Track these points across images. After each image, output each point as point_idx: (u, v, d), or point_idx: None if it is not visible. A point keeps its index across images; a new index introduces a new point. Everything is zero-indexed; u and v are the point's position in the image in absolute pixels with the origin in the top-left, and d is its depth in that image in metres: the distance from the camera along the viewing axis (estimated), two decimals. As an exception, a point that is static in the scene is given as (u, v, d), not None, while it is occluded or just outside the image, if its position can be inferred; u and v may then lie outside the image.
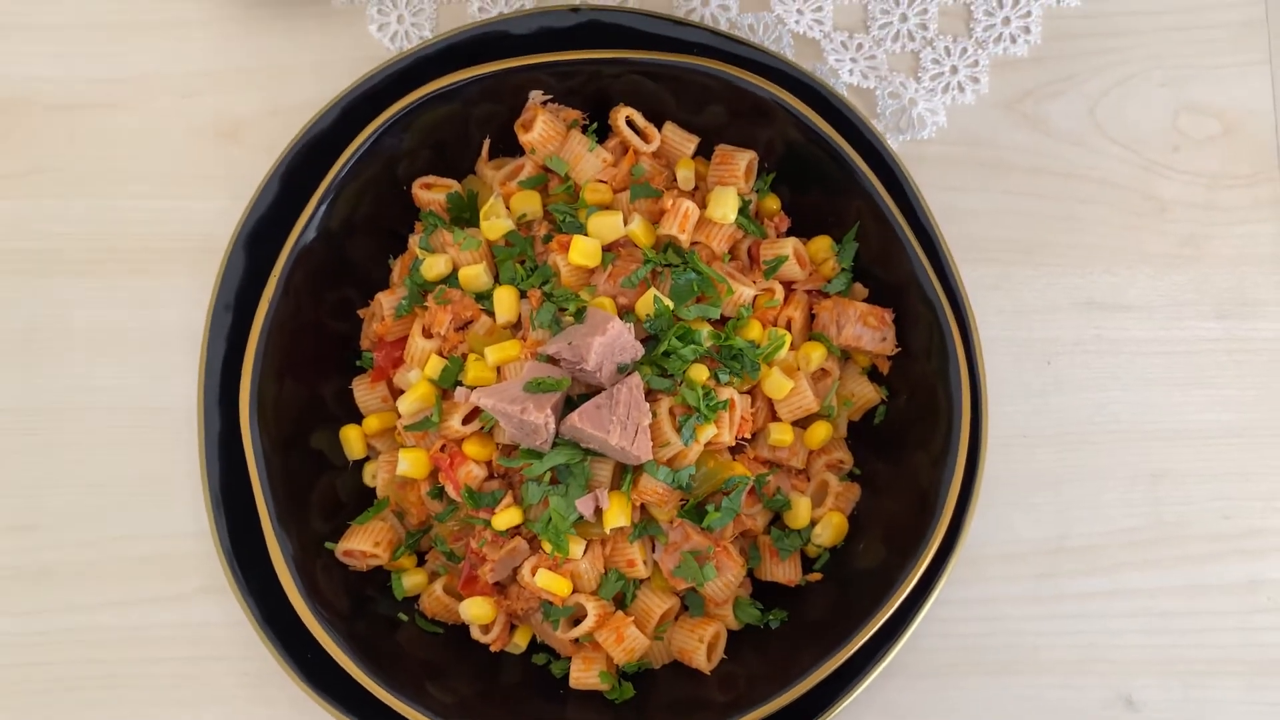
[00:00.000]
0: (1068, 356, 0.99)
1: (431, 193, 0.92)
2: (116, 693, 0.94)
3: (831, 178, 0.90)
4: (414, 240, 0.92)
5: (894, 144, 1.00)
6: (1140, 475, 0.97)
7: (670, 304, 0.85)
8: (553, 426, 0.82)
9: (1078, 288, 1.00)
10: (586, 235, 0.87)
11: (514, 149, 0.95)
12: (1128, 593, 0.96)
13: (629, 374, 0.83)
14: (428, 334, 0.88)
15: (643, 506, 0.86)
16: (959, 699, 0.94)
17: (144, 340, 0.98)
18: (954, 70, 1.05)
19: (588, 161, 0.90)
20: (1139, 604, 0.96)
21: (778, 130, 0.93)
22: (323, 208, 0.89)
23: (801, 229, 0.94)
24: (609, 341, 0.81)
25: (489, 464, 0.86)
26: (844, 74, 1.06)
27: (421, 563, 0.91)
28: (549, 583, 0.84)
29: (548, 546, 0.84)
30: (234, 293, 0.91)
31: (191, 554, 0.95)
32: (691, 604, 0.88)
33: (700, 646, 0.86)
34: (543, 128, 0.92)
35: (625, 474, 0.84)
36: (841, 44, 1.06)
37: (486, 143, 0.94)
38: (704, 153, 0.94)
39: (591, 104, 0.95)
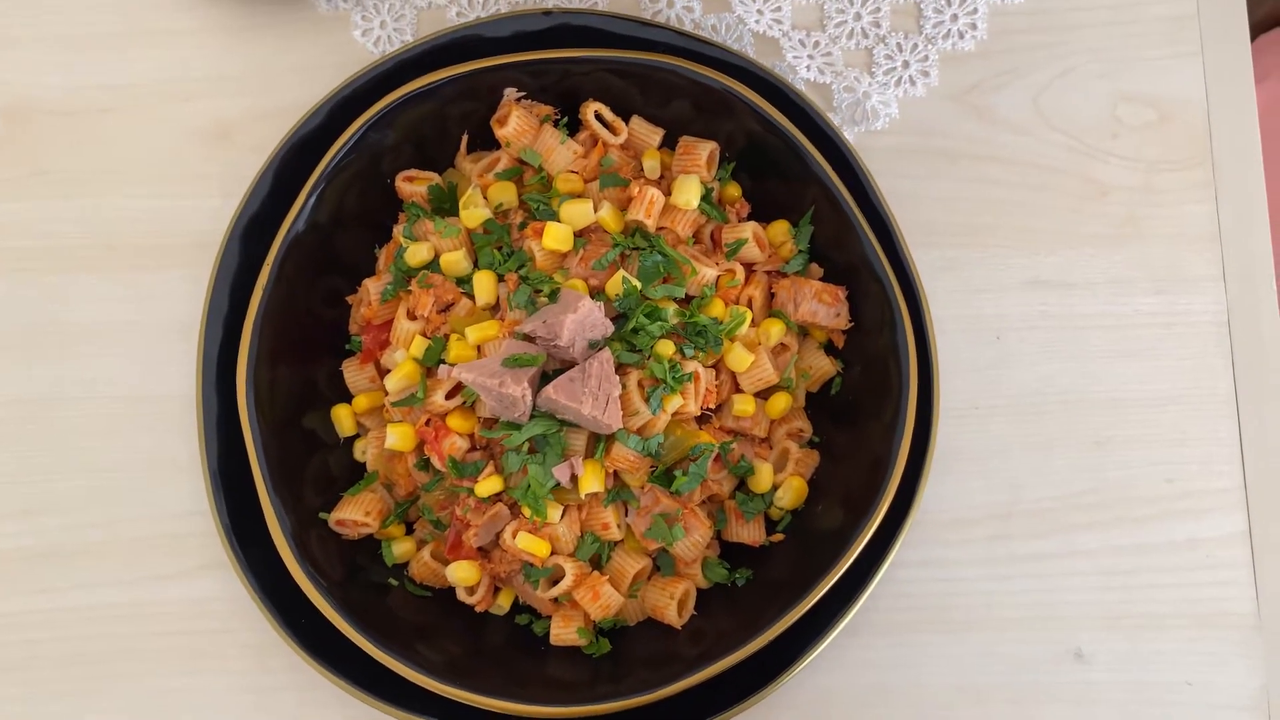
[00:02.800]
0: (1017, 332, 1.01)
1: (414, 185, 0.95)
2: (123, 666, 0.96)
3: (788, 166, 0.93)
4: (398, 229, 0.95)
5: (850, 135, 1.03)
6: (1086, 442, 1.00)
7: (638, 284, 0.87)
8: (530, 399, 0.84)
9: (1025, 268, 1.02)
10: (559, 222, 0.90)
11: (491, 143, 0.98)
12: (1077, 553, 0.98)
13: (600, 349, 0.85)
14: (412, 316, 0.90)
15: (615, 473, 0.88)
16: (919, 655, 0.96)
17: (143, 333, 1.01)
18: (905, 65, 1.10)
19: (559, 154, 0.93)
20: (1087, 563, 0.98)
21: (738, 123, 0.96)
22: (312, 200, 0.91)
23: (761, 214, 0.97)
24: (581, 319, 0.84)
25: (471, 436, 0.88)
26: (801, 70, 1.11)
27: (410, 532, 0.93)
28: (529, 545, 0.86)
29: (527, 511, 0.86)
30: (229, 282, 0.93)
31: (192, 533, 0.97)
32: (663, 564, 0.90)
33: (671, 603, 0.88)
34: (517, 123, 0.94)
35: (599, 443, 0.87)
36: (799, 42, 1.11)
37: (465, 138, 0.97)
38: (669, 144, 0.97)
39: (563, 100, 0.99)
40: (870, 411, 0.90)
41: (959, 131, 1.06)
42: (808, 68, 1.11)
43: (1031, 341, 1.01)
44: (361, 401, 0.93)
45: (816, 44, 1.11)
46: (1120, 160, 1.05)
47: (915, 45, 1.10)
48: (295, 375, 0.93)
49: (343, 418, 0.94)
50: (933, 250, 1.03)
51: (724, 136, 0.95)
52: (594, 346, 0.86)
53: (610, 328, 0.87)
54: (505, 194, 0.93)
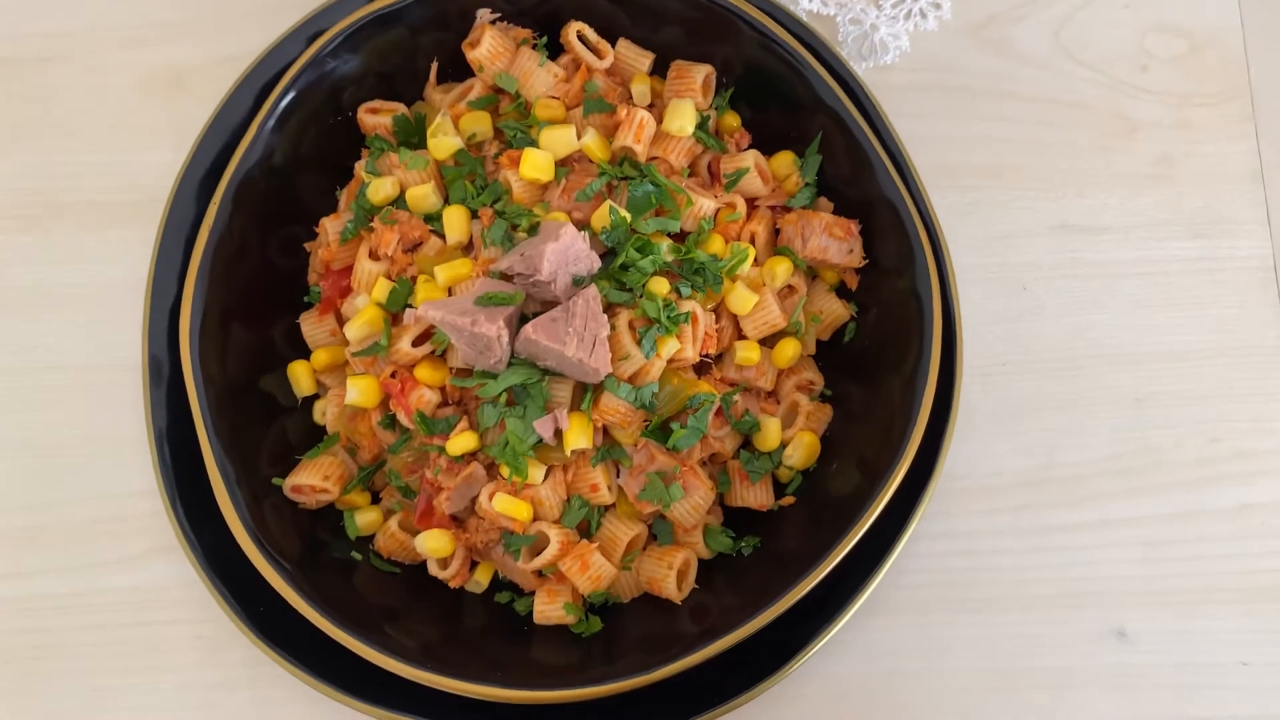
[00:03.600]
0: (1045, 281, 0.96)
1: (377, 117, 0.90)
2: (60, 663, 0.89)
3: (792, 92, 0.88)
4: (360, 166, 0.90)
5: (857, 71, 0.97)
6: (1124, 400, 0.94)
7: (627, 216, 0.82)
8: (506, 342, 0.79)
9: (1051, 211, 0.98)
10: (539, 149, 0.85)
11: (463, 74, 0.93)
12: (1115, 522, 0.92)
13: (585, 286, 0.81)
14: (375, 256, 0.86)
15: (605, 428, 0.83)
16: (944, 636, 0.90)
17: (88, 298, 0.96)
18: None
19: (538, 77, 0.88)
20: (1127, 533, 0.92)
21: (736, 46, 0.90)
22: (265, 133, 0.86)
23: (762, 147, 0.92)
24: (562, 249, 0.78)
25: (442, 389, 0.83)
26: (804, 1, 1.03)
27: (376, 502, 0.89)
28: (508, 507, 0.80)
29: (505, 471, 0.81)
30: (182, 238, 0.88)
31: (142, 514, 0.92)
32: (660, 532, 0.85)
33: (670, 574, 0.82)
34: (490, 43, 0.89)
35: (585, 393, 0.81)
36: (801, -27, 1.04)
37: (434, 65, 0.92)
38: (660, 72, 0.92)
39: (542, 26, 0.93)
40: (888, 363, 0.85)
41: (975, 67, 1.01)
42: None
43: (1061, 291, 0.96)
44: (321, 357, 0.88)
45: (819, -24, 1.03)
46: (1150, 95, 1.01)
47: (926, -25, 1.03)
48: (249, 334, 0.88)
49: (300, 375, 0.88)
50: (950, 193, 0.98)
51: (720, 62, 0.91)
52: (579, 283, 0.81)
53: (597, 262, 0.82)
54: (479, 123, 0.88)
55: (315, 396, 0.90)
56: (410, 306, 0.83)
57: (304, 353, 0.90)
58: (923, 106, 1.00)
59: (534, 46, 0.90)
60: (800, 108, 0.88)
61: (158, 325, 0.87)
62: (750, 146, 0.91)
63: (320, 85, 0.88)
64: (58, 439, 0.93)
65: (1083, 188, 0.98)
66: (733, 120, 0.91)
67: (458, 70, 0.92)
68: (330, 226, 0.88)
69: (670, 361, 0.82)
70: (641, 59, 0.90)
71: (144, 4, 1.02)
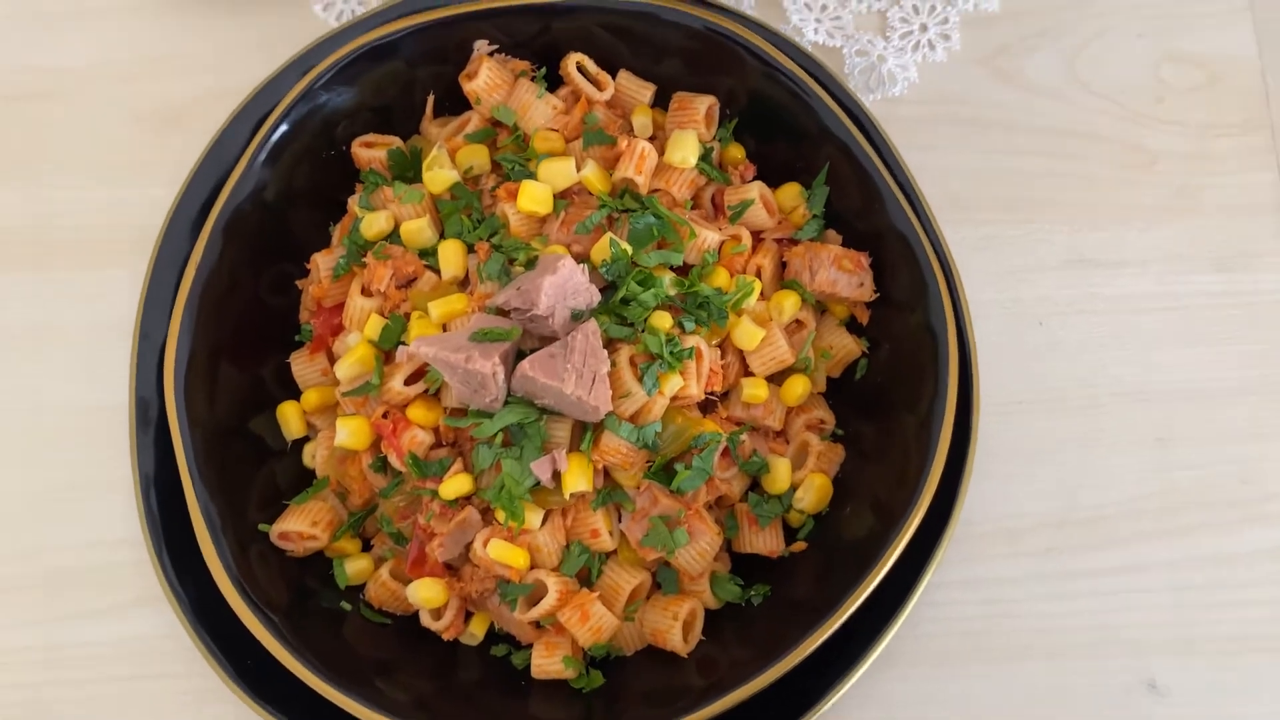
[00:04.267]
0: (1061, 317, 0.94)
1: (372, 150, 0.89)
2: None
3: (798, 123, 0.87)
4: (353, 201, 0.88)
5: (865, 103, 0.96)
6: (1147, 439, 0.92)
7: (628, 249, 0.80)
8: (502, 379, 0.77)
9: (1067, 245, 0.96)
10: (537, 181, 0.83)
11: (461, 108, 0.92)
12: (1142, 567, 0.89)
13: (585, 321, 0.79)
14: (367, 292, 0.84)
15: (606, 471, 0.81)
16: (964, 689, 0.87)
17: (75, 337, 0.94)
18: (924, 28, 1.02)
19: (537, 109, 0.86)
20: (1157, 578, 0.89)
21: (739, 77, 0.88)
22: (256, 165, 0.85)
23: (767, 179, 0.90)
24: (560, 282, 0.76)
25: (435, 430, 0.81)
26: (809, 33, 1.02)
27: (367, 549, 0.86)
28: (504, 555, 0.78)
29: (501, 516, 0.79)
30: (174, 276, 0.86)
31: (126, 562, 0.89)
32: (664, 580, 0.83)
33: (675, 625, 0.80)
34: (488, 75, 0.87)
35: (585, 433, 0.79)
36: (805, 5, 1.03)
37: (431, 98, 0.91)
38: (661, 105, 0.91)
39: (541, 57, 0.91)
40: (902, 400, 0.82)
41: (986, 98, 1.00)
42: (815, 30, 1.02)
43: (1078, 327, 0.94)
44: (311, 398, 0.86)
45: (824, 7, 1.03)
46: (1167, 126, 0.99)
47: (934, 6, 1.02)
48: (239, 374, 0.87)
49: (290, 417, 0.87)
50: (963, 227, 0.96)
51: (724, 93, 0.89)
52: (578, 318, 0.79)
53: (596, 296, 0.80)
54: (476, 156, 0.87)
55: (305, 439, 0.88)
56: (403, 344, 0.81)
57: (295, 393, 0.89)
58: (933, 139, 0.98)
59: (532, 78, 0.88)
60: (806, 138, 0.87)
61: (146, 365, 0.85)
62: (755, 178, 0.89)
63: (313, 118, 0.87)
64: (42, 484, 0.91)
65: (1100, 220, 0.96)
66: (737, 152, 0.90)
67: (454, 103, 0.91)
68: (322, 262, 0.86)
69: (674, 399, 0.80)
70: (643, 90, 0.89)
71: (141, 40, 1.02)
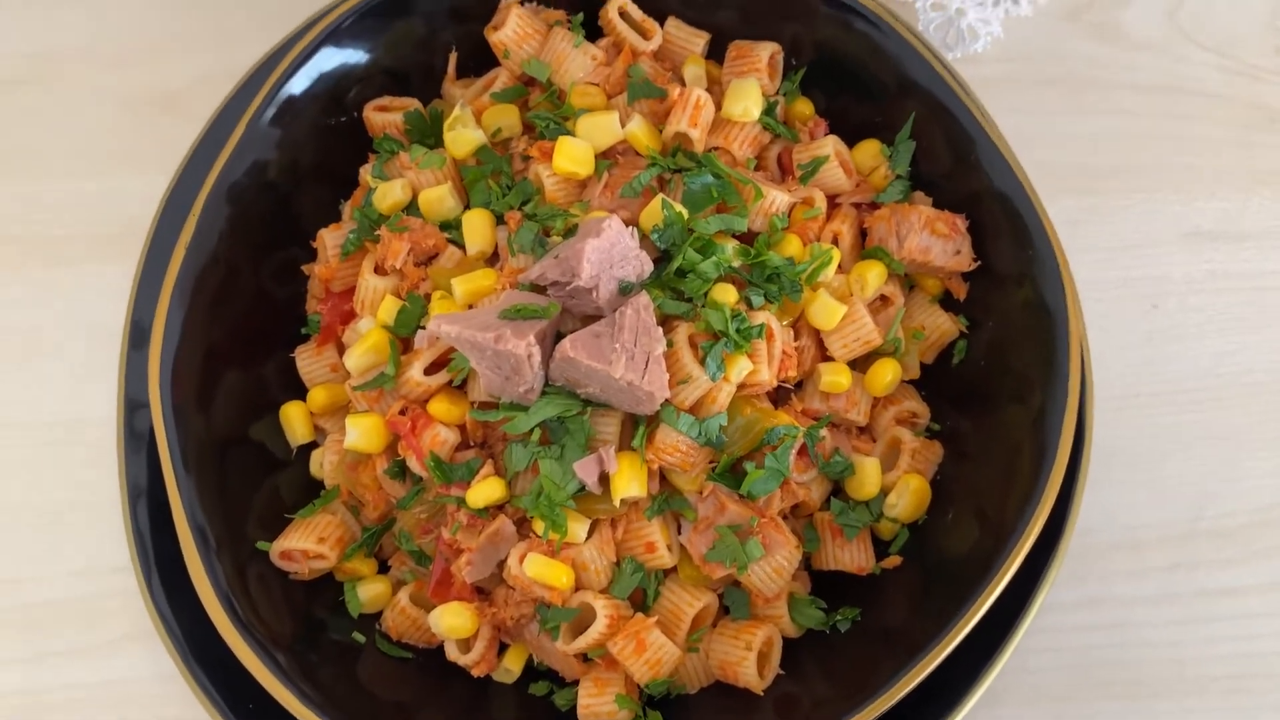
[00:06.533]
0: (1179, 298, 0.90)
1: (387, 115, 0.84)
2: None
3: (875, 74, 0.81)
4: (365, 170, 0.84)
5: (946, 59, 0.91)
6: None
7: (683, 212, 0.75)
8: (539, 363, 0.70)
9: (1181, 216, 0.92)
10: (575, 138, 0.79)
11: (487, 69, 0.87)
12: None
13: (635, 294, 0.72)
14: (381, 271, 0.79)
15: (662, 473, 0.75)
16: None
17: (62, 342, 0.91)
18: None
19: (574, 60, 0.81)
20: None
21: (806, 24, 0.82)
22: (257, 130, 0.80)
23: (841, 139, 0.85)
24: (605, 246, 0.69)
25: (461, 428, 0.76)
26: (877, -15, 0.93)
27: (384, 571, 0.82)
28: (543, 573, 0.72)
29: (540, 527, 0.73)
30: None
31: (116, 593, 0.85)
32: (733, 602, 0.77)
33: (748, 656, 0.74)
34: (517, 24, 0.82)
35: (637, 428, 0.73)
36: (873, -43, 0.95)
37: (453, 57, 0.86)
38: (715, 59, 0.86)
39: (577, 4, 0.85)
40: (1010, 391, 0.76)
41: (1079, 55, 0.95)
42: (885, -17, 0.93)
43: (1200, 309, 0.90)
44: (319, 396, 0.81)
45: (894, -39, 0.94)
46: None
47: (1016, -44, 0.97)
48: (238, 374, 0.81)
49: (294, 420, 0.82)
50: (1060, 199, 0.91)
51: (788, 41, 0.84)
52: (626, 291, 0.72)
53: (648, 264, 0.74)
54: (504, 116, 0.82)
55: (314, 445, 0.83)
56: (423, 329, 0.76)
57: (301, 394, 0.84)
58: (1020, 101, 0.94)
59: (568, 27, 0.84)
60: (885, 91, 0.81)
61: (136, 369, 0.82)
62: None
63: (322, 81, 0.82)
64: (21, 505, 0.87)
65: (1216, 188, 0.92)
66: (805, 108, 0.84)
67: (480, 64, 0.86)
68: (329, 239, 0.81)
69: (741, 387, 0.74)
70: (694, 40, 0.84)
71: (133, 21, 0.99)
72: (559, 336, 0.73)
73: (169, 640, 0.76)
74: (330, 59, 0.81)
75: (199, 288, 0.78)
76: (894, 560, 0.77)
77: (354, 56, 0.82)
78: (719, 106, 0.80)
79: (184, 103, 0.95)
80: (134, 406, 0.81)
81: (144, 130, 0.95)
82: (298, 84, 0.81)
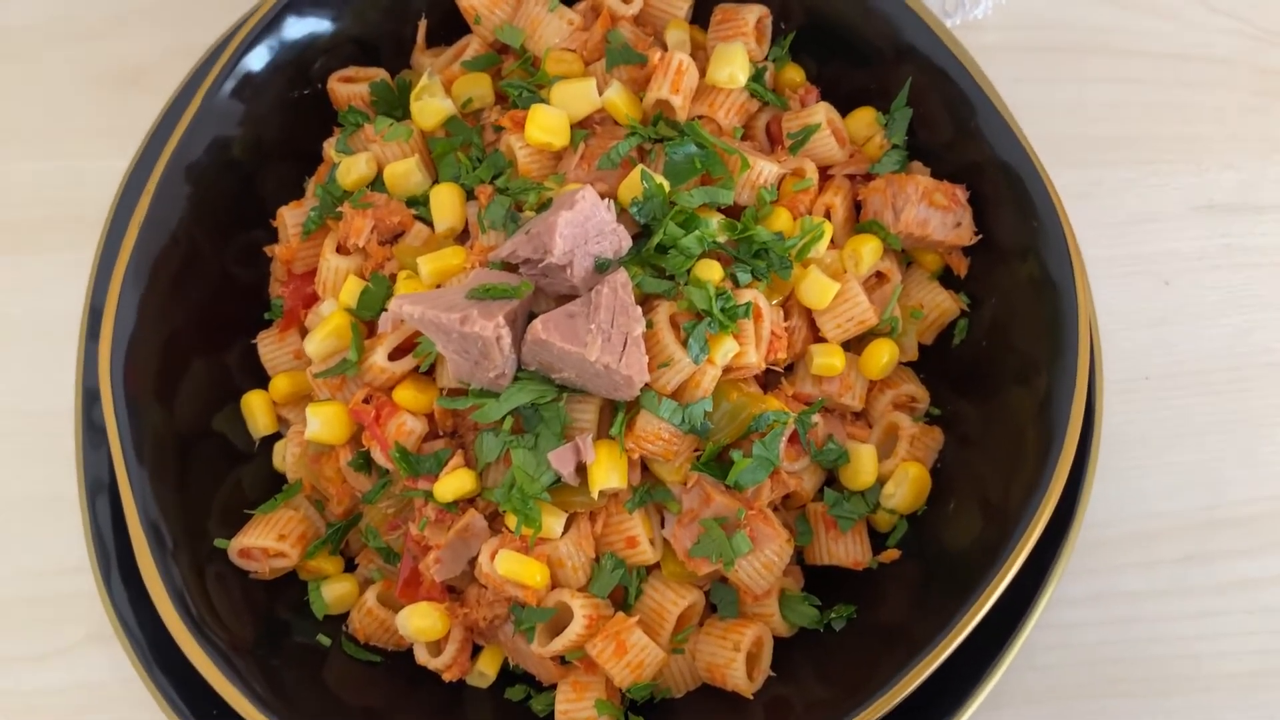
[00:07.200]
0: (1193, 274, 0.88)
1: (353, 85, 0.83)
2: None
3: (868, 38, 0.79)
4: (329, 144, 0.82)
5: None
6: None
7: (664, 183, 0.73)
8: (509, 346, 0.68)
9: (1193, 188, 0.90)
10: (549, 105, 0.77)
11: (458, 38, 0.86)
12: None
13: (612, 271, 0.70)
14: (344, 250, 0.77)
15: (644, 463, 0.73)
16: None
17: (19, 331, 0.90)
18: None
19: (549, 25, 0.79)
20: None
21: None
22: (217, 99, 0.78)
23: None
24: (579, 219, 0.67)
25: (429, 417, 0.74)
26: (872, -51, 0.91)
27: (351, 569, 0.80)
28: (516, 570, 0.70)
29: (512, 521, 0.71)
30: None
31: (79, 594, 0.83)
32: (720, 600, 0.75)
33: (736, 657, 0.72)
34: None
35: (616, 414, 0.71)
36: (866, -81, 0.92)
37: (423, 25, 0.84)
38: (700, 23, 0.85)
39: None
40: (1013, 372, 0.75)
41: (1085, 21, 0.94)
42: (880, -54, 0.91)
43: (1214, 286, 0.88)
44: (282, 384, 0.79)
45: (889, -78, 0.91)
46: None
47: (1018, -84, 0.97)
48: (199, 363, 0.80)
49: (256, 409, 0.80)
50: (1066, 170, 0.88)
51: (776, 5, 0.83)
52: (603, 268, 0.70)
53: (626, 239, 0.71)
54: (476, 86, 0.80)
55: (277, 436, 0.82)
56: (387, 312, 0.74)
57: (265, 383, 0.82)
58: (1023, 70, 0.92)
59: None
60: (880, 57, 0.79)
61: (94, 359, 0.80)
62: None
63: (285, 51, 0.81)
64: None
65: (1230, 158, 0.90)
66: (795, 74, 0.82)
67: (451, 32, 0.85)
68: (289, 217, 0.79)
69: (727, 370, 0.72)
70: (677, 3, 0.81)
71: None
72: (532, 317, 0.70)
73: (129, 643, 0.75)
74: (294, 28, 0.81)
75: (156, 271, 0.77)
76: (892, 554, 0.76)
77: (319, 25, 0.81)
78: (703, 73, 0.78)
79: (147, 79, 0.94)
80: (92, 398, 0.79)
81: (107, 108, 0.94)
82: (258, 55, 0.80)
